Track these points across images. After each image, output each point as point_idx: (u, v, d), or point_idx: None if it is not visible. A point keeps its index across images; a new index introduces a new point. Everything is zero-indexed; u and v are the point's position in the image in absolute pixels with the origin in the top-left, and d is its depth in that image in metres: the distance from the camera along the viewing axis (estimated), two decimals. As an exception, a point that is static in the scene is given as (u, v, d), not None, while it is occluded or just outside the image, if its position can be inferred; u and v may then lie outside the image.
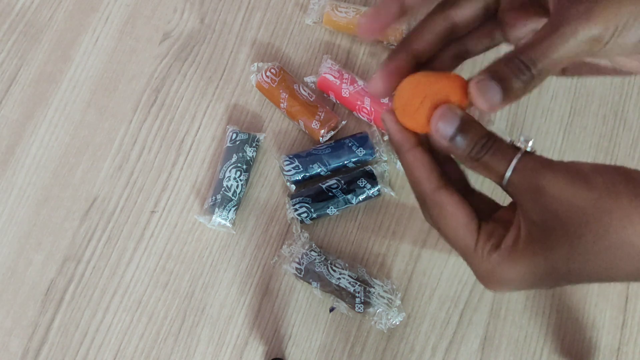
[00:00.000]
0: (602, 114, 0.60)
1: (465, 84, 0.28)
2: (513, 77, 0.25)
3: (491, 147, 0.26)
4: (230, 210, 0.55)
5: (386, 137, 0.58)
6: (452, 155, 0.29)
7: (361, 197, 0.55)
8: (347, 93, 0.58)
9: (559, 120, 0.59)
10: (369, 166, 0.56)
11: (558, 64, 0.25)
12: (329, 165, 0.56)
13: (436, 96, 0.27)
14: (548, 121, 0.59)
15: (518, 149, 0.26)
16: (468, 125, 0.26)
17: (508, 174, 0.26)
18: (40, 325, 0.55)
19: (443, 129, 0.26)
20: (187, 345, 0.54)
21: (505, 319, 0.54)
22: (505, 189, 0.26)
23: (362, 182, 0.55)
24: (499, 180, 0.26)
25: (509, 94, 0.25)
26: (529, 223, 0.26)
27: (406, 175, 0.30)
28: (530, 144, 0.26)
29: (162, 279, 0.56)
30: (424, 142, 0.30)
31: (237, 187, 0.56)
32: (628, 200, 0.23)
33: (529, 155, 0.26)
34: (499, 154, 0.26)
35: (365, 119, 0.59)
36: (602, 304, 0.54)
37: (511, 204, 0.29)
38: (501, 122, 0.59)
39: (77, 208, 0.58)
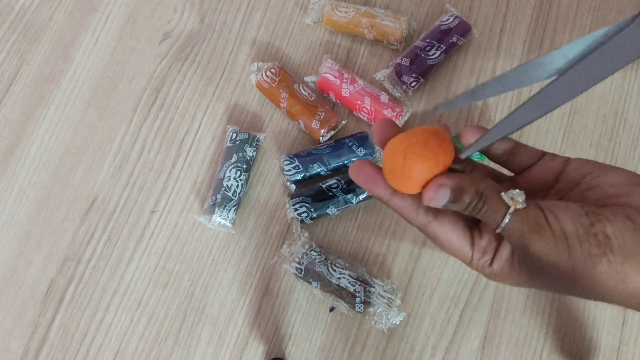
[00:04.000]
0: (602, 113, 0.60)
1: (446, 138, 0.29)
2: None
3: (482, 208, 0.27)
4: (230, 210, 0.55)
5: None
6: None
7: (361, 197, 0.55)
8: (347, 93, 0.58)
9: (559, 120, 0.59)
10: (369, 166, 0.56)
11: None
12: (329, 165, 0.56)
13: (421, 159, 0.28)
14: (548, 121, 0.59)
15: (508, 207, 0.27)
16: (460, 194, 0.27)
17: (498, 230, 0.28)
18: (40, 325, 0.55)
19: (435, 203, 0.28)
20: (187, 345, 0.54)
21: (505, 318, 0.54)
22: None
23: (362, 181, 0.55)
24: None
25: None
26: (518, 258, 0.29)
27: None
28: (520, 199, 0.27)
29: (162, 279, 0.56)
30: None
31: (237, 186, 0.56)
32: (601, 271, 0.26)
33: (519, 216, 0.27)
34: (489, 214, 0.27)
35: (365, 119, 0.59)
36: (602, 304, 0.54)
37: None
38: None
39: (77, 208, 0.58)
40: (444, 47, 0.58)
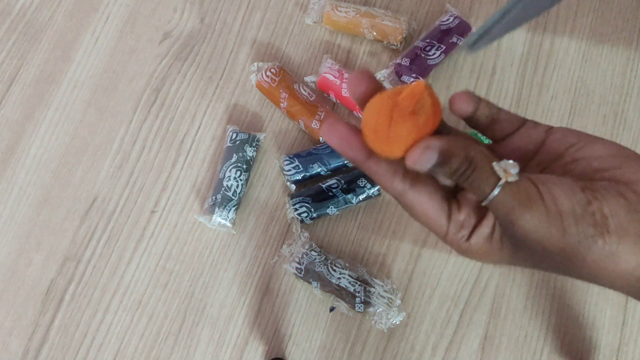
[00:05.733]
0: (602, 114, 0.60)
1: (435, 97, 0.26)
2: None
3: (470, 176, 0.25)
4: (230, 210, 0.55)
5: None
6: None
7: (361, 197, 0.55)
8: (347, 93, 0.58)
9: (559, 120, 0.59)
10: (369, 166, 0.56)
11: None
12: (329, 164, 0.56)
13: (405, 123, 0.25)
14: (548, 121, 0.59)
15: (499, 178, 0.25)
16: (448, 158, 0.25)
17: (485, 202, 0.26)
18: (40, 325, 0.55)
19: (420, 166, 0.25)
20: (187, 345, 0.54)
21: (505, 318, 0.54)
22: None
23: (362, 181, 0.55)
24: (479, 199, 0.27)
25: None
26: (502, 233, 0.27)
27: None
28: (514, 171, 0.25)
29: (162, 279, 0.56)
30: None
31: (237, 186, 0.56)
32: (594, 252, 0.24)
33: (509, 189, 0.25)
34: (477, 184, 0.25)
35: (365, 119, 0.59)
36: (602, 303, 0.54)
37: None
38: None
39: (77, 208, 0.58)
40: (444, 47, 0.58)
